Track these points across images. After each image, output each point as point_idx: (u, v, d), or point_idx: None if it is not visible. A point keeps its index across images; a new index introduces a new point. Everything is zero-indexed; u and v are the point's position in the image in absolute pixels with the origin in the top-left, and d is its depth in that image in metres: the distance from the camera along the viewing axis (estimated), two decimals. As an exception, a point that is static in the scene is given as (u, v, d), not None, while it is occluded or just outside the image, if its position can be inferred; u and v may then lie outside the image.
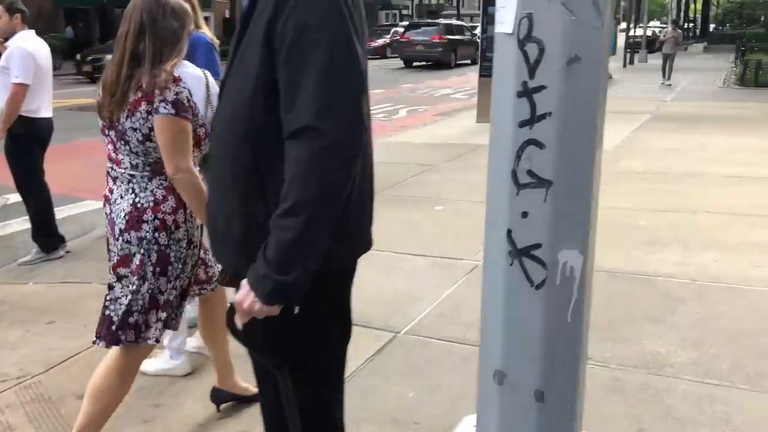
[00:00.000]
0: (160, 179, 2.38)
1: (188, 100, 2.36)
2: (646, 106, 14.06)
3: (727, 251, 4.83)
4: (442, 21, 32.52)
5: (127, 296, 2.38)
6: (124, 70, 2.29)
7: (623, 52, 27.08)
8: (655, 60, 30.68)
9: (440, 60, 26.85)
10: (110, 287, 2.42)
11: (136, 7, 2.34)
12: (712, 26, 53.85)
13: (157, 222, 2.36)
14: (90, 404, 2.43)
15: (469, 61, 26.99)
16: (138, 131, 2.30)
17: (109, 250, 2.47)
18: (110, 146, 2.41)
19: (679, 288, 4.19)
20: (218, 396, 2.97)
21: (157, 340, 2.45)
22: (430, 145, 9.93)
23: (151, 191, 2.38)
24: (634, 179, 7.24)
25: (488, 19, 11.90)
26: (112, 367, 2.44)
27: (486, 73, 12.05)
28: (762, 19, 42.98)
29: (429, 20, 38.54)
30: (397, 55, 29.47)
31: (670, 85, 18.65)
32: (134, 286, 2.37)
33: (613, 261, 4.67)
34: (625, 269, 4.53)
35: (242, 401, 2.97)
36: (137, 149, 2.33)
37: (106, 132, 2.39)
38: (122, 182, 2.40)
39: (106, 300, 2.42)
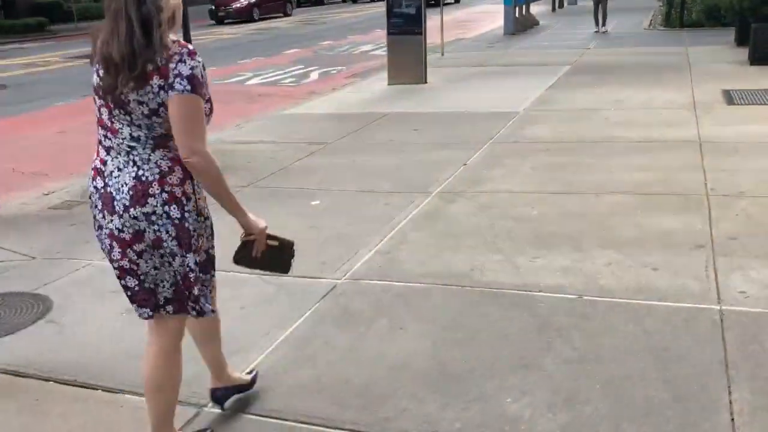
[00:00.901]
0: (164, 151, 2.22)
1: (202, 76, 2.17)
2: (567, 56, 13.29)
3: (624, 249, 4.09)
4: None
5: (164, 273, 2.30)
6: (139, 41, 2.08)
7: (552, -4, 26.21)
8: (585, 2, 29.97)
9: None
10: (134, 263, 2.26)
11: None
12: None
13: (165, 195, 2.19)
14: (161, 396, 2.44)
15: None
16: (144, 105, 2.13)
17: (100, 227, 2.28)
18: (104, 112, 2.22)
19: (562, 309, 3.43)
20: (219, 395, 2.80)
21: (213, 311, 2.45)
22: (331, 116, 9.01)
23: (156, 163, 2.20)
24: (536, 151, 6.48)
25: (392, -27, 10.90)
26: (165, 350, 2.41)
27: (394, 30, 11.12)
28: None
29: None
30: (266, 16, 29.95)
31: (606, 31, 17.29)
32: (166, 262, 2.28)
33: (491, 272, 3.91)
34: (502, 283, 3.77)
35: (243, 391, 2.87)
36: (140, 122, 2.17)
37: (100, 95, 2.21)
38: (119, 153, 2.22)
39: (139, 276, 2.29)
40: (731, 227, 4.32)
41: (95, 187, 2.27)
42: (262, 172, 6.38)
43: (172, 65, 2.11)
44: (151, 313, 2.37)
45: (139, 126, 2.18)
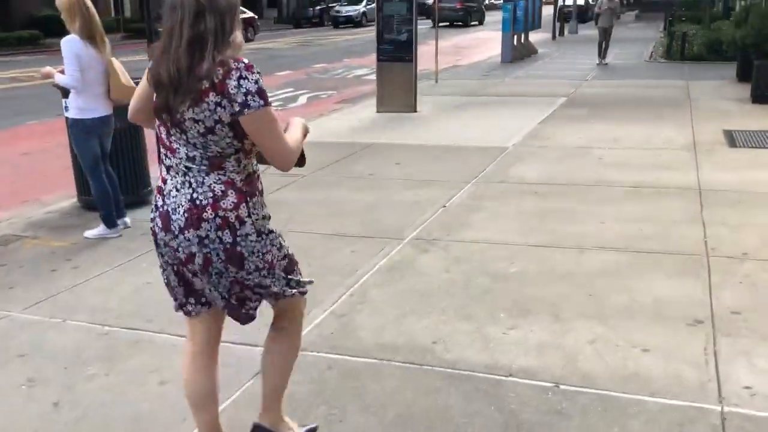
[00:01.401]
0: (218, 173, 2.17)
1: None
2: (563, 87, 12.84)
3: (611, 321, 3.54)
4: None
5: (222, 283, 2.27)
6: (188, 61, 2.05)
7: (552, 23, 25.88)
8: (586, 30, 29.67)
9: (462, 20, 36.60)
10: (191, 280, 2.30)
11: None
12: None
13: (218, 221, 2.16)
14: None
15: (477, 23, 36.95)
16: (200, 123, 2.09)
17: (165, 243, 2.25)
18: (163, 131, 2.21)
19: (534, 402, 2.86)
20: None
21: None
22: (312, 145, 8.37)
23: (209, 186, 2.16)
24: (523, 194, 5.96)
25: (384, -4, 10.45)
26: (282, 334, 2.47)
27: (384, 56, 10.66)
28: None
29: None
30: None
31: (607, 64, 16.74)
32: (212, 283, 2.26)
33: (457, 347, 3.36)
34: (468, 362, 3.21)
35: None
36: (195, 141, 2.14)
37: (158, 117, 2.20)
38: (177, 173, 2.20)
39: (197, 290, 2.33)
40: (734, 298, 3.77)
41: (156, 205, 2.27)
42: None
43: (232, 82, 2.04)
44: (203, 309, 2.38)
45: (194, 145, 2.14)
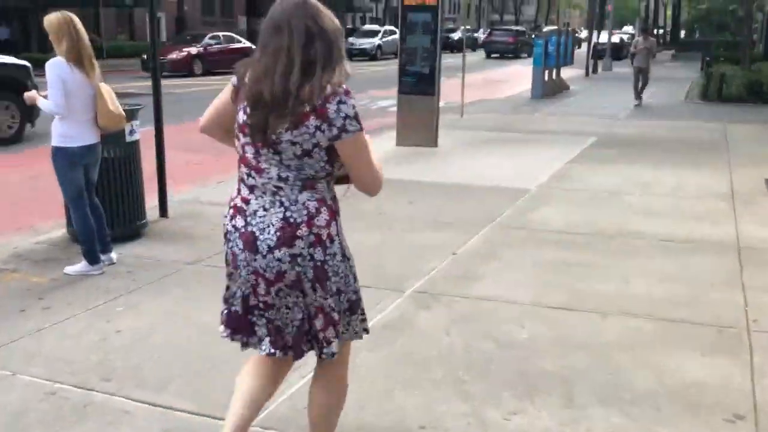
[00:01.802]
0: (311, 192, 2.14)
1: None
2: (594, 125, 12.31)
3: (632, 410, 2.99)
4: (513, 27, 45.69)
5: (297, 312, 2.23)
6: (295, 83, 2.02)
7: (586, 60, 25.39)
8: (620, 68, 29.09)
9: (513, 53, 39.26)
10: (273, 301, 2.21)
11: (294, 15, 2.07)
12: (683, 32, 52.41)
13: (312, 237, 2.13)
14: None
15: (526, 55, 36.29)
16: (298, 146, 2.07)
17: (246, 264, 2.18)
18: (250, 150, 2.13)
19: None
20: None
21: (333, 354, 2.25)
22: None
23: (303, 204, 2.13)
24: (542, 243, 5.44)
25: (407, 28, 10.09)
26: (328, 380, 2.39)
27: (406, 89, 10.26)
28: (731, 25, 41.58)
29: (504, 27, 49.33)
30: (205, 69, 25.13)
31: (640, 104, 15.88)
32: (298, 303, 2.21)
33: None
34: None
35: None
36: (290, 163, 2.10)
37: (246, 133, 2.13)
38: (264, 193, 2.15)
39: (278, 309, 2.22)
40: (781, 386, 3.21)
41: (234, 226, 2.22)
42: (218, 245, 5.43)
43: (332, 106, 2.04)
44: (275, 353, 2.27)
45: (288, 166, 2.11)
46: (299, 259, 2.13)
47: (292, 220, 2.12)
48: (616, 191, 7.21)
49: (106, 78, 4.96)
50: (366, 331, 2.39)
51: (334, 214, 2.20)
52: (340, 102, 2.04)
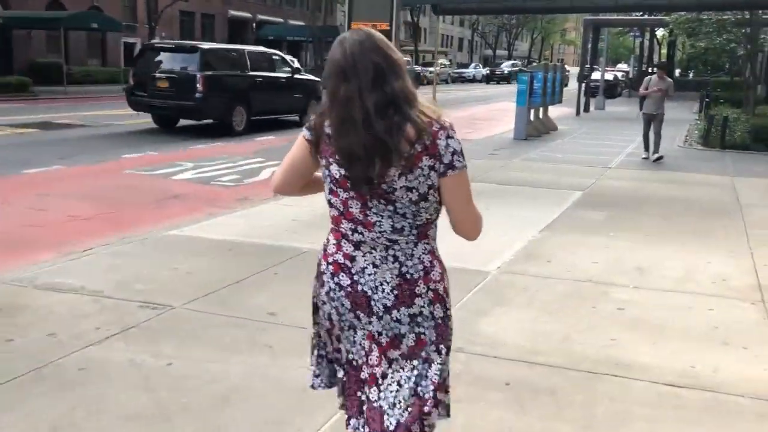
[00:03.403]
0: (425, 243, 2.01)
1: None
2: (581, 176, 10.42)
3: None
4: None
5: (411, 380, 2.00)
6: (383, 125, 1.85)
7: (577, 98, 23.67)
8: (613, 108, 27.40)
9: (506, 79, 50.17)
10: (383, 375, 2.01)
11: (358, 53, 1.89)
12: (677, 71, 51.03)
13: (431, 294, 1.99)
14: None
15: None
16: (414, 191, 1.92)
17: (351, 327, 2.04)
18: (355, 204, 1.97)
19: None
20: None
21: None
22: (229, 246, 6.13)
23: (419, 258, 1.99)
24: (486, 386, 3.46)
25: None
26: None
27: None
28: (727, 66, 40.10)
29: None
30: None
31: (661, 158, 12.36)
32: (416, 370, 2.00)
33: None
34: None
35: None
36: (405, 210, 1.94)
37: (347, 188, 1.96)
38: (374, 248, 1.99)
39: (380, 388, 2.01)
40: None
41: (338, 285, 2.03)
42: (12, 368, 3.49)
43: (441, 142, 1.90)
44: None
45: (403, 215, 1.95)
46: (420, 319, 1.99)
47: (409, 276, 1.98)
48: (600, 281, 5.26)
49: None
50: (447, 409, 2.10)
51: (443, 265, 2.05)
52: (448, 137, 1.91)
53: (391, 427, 1.99)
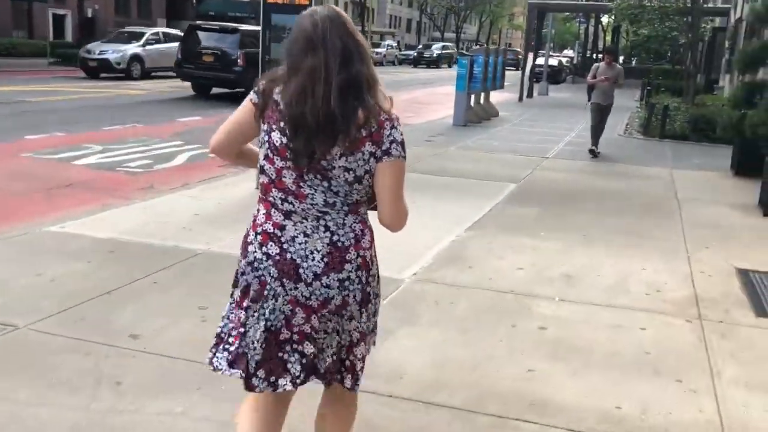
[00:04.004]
0: (355, 215, 2.05)
1: None
2: (517, 167, 9.88)
3: None
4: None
5: (334, 338, 2.11)
6: (342, 105, 1.90)
7: (520, 83, 23.25)
8: (557, 93, 27.14)
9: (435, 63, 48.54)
10: (314, 330, 2.07)
11: (329, 30, 1.92)
12: (621, 58, 51.36)
13: (359, 260, 2.06)
14: None
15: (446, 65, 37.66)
16: (351, 172, 1.97)
17: (266, 296, 2.04)
18: (289, 174, 1.99)
19: None
20: None
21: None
22: (114, 247, 5.31)
23: (350, 227, 2.04)
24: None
25: (273, 35, 7.47)
26: (344, 405, 2.29)
27: (269, 115, 7.68)
28: (669, 54, 40.40)
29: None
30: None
31: (599, 154, 11.38)
32: (340, 326, 2.10)
33: None
34: None
35: None
36: (339, 189, 1.99)
37: (287, 157, 1.97)
38: (305, 218, 2.02)
39: (317, 340, 2.08)
40: None
41: (266, 254, 2.04)
42: None
43: (386, 131, 1.97)
44: (302, 380, 2.12)
45: (336, 193, 2.00)
46: (347, 283, 2.04)
47: (340, 243, 2.03)
48: (524, 293, 4.68)
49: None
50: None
51: (373, 235, 2.12)
52: (393, 128, 1.98)
53: (322, 371, 2.10)
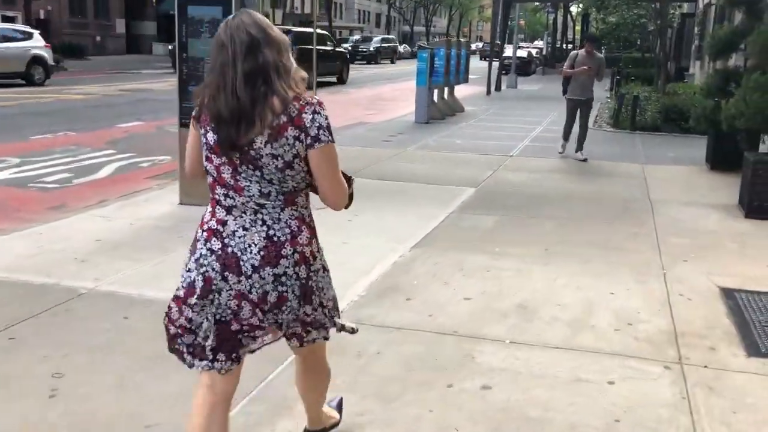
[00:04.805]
0: (291, 209, 2.12)
1: None
2: (477, 168, 9.03)
3: None
4: None
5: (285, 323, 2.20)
6: (250, 92, 1.98)
7: (487, 76, 22.43)
8: (526, 86, 26.39)
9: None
10: (261, 320, 2.14)
11: (236, 28, 2.02)
12: (591, 48, 50.71)
13: (297, 256, 2.10)
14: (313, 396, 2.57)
15: (388, 61, 35.82)
16: (279, 158, 2.03)
17: (219, 290, 2.09)
18: (226, 170, 2.07)
19: None
20: None
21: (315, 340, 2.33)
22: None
23: (286, 222, 2.11)
24: None
25: (188, 29, 6.53)
26: (315, 362, 2.46)
27: (188, 120, 6.69)
28: (638, 42, 39.85)
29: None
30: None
31: (586, 160, 9.81)
32: (284, 321, 2.18)
33: None
34: None
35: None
36: (272, 177, 2.05)
37: (220, 154, 2.06)
38: (244, 212, 2.10)
39: (264, 328, 2.17)
40: None
41: (210, 250, 2.11)
42: None
43: (307, 116, 2.02)
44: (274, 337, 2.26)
45: (270, 181, 2.05)
46: (283, 278, 2.08)
47: (276, 238, 2.08)
48: (470, 332, 3.80)
49: None
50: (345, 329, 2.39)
51: (313, 231, 2.18)
52: (314, 112, 2.03)
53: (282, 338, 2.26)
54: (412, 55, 43.12)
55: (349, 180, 2.27)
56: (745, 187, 6.87)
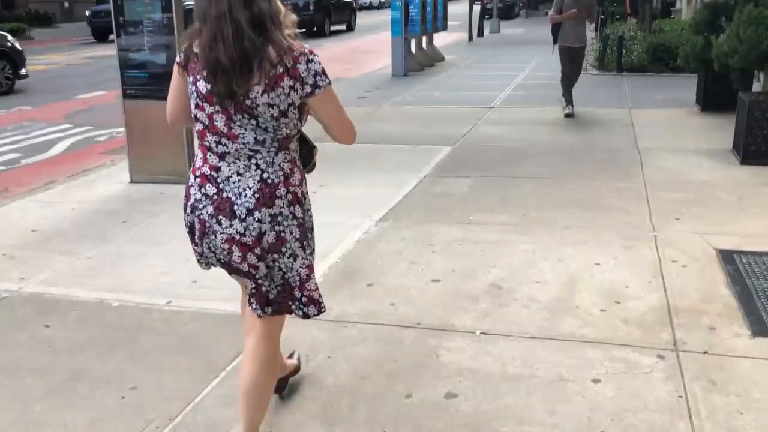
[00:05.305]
0: (285, 153, 2.14)
1: None
2: (457, 122, 8.45)
3: None
4: None
5: (281, 274, 2.20)
6: (250, 43, 1.98)
7: (468, 21, 21.55)
8: (510, 30, 25.51)
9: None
10: (253, 267, 2.14)
11: None
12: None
13: (290, 196, 2.14)
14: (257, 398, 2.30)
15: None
16: (275, 107, 2.04)
17: (213, 232, 2.13)
18: (220, 118, 2.07)
19: None
20: (279, 385, 2.61)
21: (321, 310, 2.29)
22: None
23: (279, 165, 2.13)
24: None
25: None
26: (266, 353, 2.32)
27: (135, 90, 6.11)
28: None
29: None
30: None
31: (572, 115, 8.74)
32: (285, 265, 2.19)
33: None
34: None
35: (295, 374, 2.81)
36: (267, 125, 2.07)
37: (213, 102, 2.06)
38: (237, 158, 2.11)
39: (257, 279, 2.18)
40: None
41: (205, 194, 2.14)
42: None
43: (302, 66, 2.04)
44: (263, 312, 2.24)
45: (265, 129, 2.07)
46: (280, 218, 2.11)
47: (270, 181, 2.10)
48: (435, 324, 3.31)
49: None
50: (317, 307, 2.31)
51: (302, 173, 2.23)
52: (308, 61, 2.05)
53: (271, 296, 2.22)
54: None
55: (312, 149, 2.28)
56: (739, 131, 6.33)
